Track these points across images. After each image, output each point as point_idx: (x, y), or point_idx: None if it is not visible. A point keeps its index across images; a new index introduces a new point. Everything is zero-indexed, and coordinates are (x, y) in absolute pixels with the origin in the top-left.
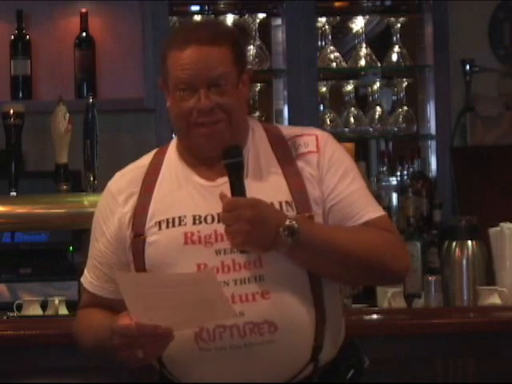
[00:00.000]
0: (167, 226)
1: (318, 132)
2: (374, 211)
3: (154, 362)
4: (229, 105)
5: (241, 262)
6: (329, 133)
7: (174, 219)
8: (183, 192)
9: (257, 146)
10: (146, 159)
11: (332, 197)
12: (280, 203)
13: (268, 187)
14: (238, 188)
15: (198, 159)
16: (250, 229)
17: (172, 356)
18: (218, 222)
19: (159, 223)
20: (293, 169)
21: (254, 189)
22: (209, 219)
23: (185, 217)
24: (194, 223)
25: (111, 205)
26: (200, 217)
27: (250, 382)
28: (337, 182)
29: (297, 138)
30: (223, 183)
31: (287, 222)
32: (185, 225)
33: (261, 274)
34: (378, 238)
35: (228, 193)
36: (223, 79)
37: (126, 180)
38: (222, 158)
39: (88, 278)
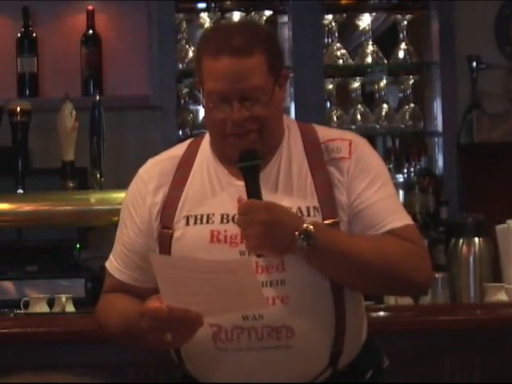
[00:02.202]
0: (195, 223)
1: (353, 137)
2: (399, 220)
3: (173, 356)
4: (262, 116)
5: (263, 265)
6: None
7: (202, 216)
8: (214, 189)
9: (291, 147)
10: (179, 149)
11: (357, 203)
12: (308, 208)
13: (296, 191)
14: (253, 191)
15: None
16: (265, 232)
17: (189, 353)
18: None
19: (187, 218)
20: (323, 174)
21: (282, 192)
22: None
23: (213, 215)
24: (222, 222)
25: (142, 191)
26: (228, 216)
27: (266, 383)
28: (363, 188)
29: (330, 141)
30: None
31: (303, 227)
32: (212, 223)
33: (282, 279)
34: (397, 248)
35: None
36: (257, 91)
37: (157, 169)
38: (237, 162)
39: (115, 264)
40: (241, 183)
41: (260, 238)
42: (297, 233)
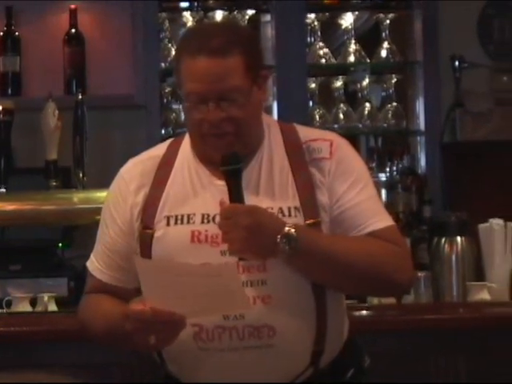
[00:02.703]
0: (176, 223)
1: (334, 137)
2: (381, 221)
3: (156, 357)
4: (239, 118)
5: (245, 265)
6: (344, 139)
7: (183, 216)
8: (195, 189)
9: (272, 148)
10: (160, 149)
11: (339, 205)
12: (289, 208)
13: (278, 192)
14: (236, 195)
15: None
16: (247, 236)
17: (171, 353)
18: None
19: (168, 218)
20: (304, 174)
21: (263, 193)
22: (217, 218)
23: (194, 215)
24: (203, 222)
25: (123, 191)
26: (209, 216)
27: (247, 383)
28: (345, 190)
29: (311, 142)
30: None
31: (285, 230)
32: (193, 223)
33: (264, 279)
34: (379, 249)
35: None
36: (234, 92)
37: (138, 169)
38: (220, 165)
39: (96, 265)
40: (221, 183)
41: (243, 242)
42: (279, 236)
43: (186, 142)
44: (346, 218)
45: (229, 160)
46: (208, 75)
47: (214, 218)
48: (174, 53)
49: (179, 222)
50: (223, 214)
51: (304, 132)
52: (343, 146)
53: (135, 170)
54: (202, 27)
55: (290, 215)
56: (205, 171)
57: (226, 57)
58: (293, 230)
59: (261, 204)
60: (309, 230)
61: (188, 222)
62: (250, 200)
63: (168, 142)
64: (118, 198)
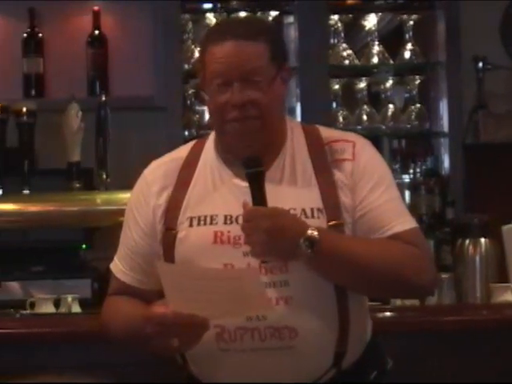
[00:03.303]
0: (198, 224)
1: (356, 138)
2: (403, 224)
3: (178, 358)
4: (262, 101)
5: (267, 266)
6: (367, 140)
7: (205, 217)
8: (217, 190)
9: (294, 149)
10: (183, 151)
11: (361, 207)
12: (312, 210)
13: (301, 193)
14: (258, 197)
15: (234, 156)
16: (268, 239)
17: (193, 354)
18: None
19: (191, 219)
20: (327, 175)
21: (286, 194)
22: (240, 220)
23: (216, 216)
24: (225, 223)
25: (145, 193)
26: (231, 217)
27: (268, 383)
28: (368, 191)
29: (334, 143)
30: None
31: (308, 233)
32: (216, 224)
33: (286, 280)
34: (400, 252)
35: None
36: (258, 74)
37: (161, 171)
38: (243, 167)
39: (119, 267)
40: (244, 184)
41: (263, 246)
42: (301, 240)
43: (210, 143)
44: (368, 220)
45: (251, 163)
46: (233, 56)
47: (236, 219)
48: (197, 54)
49: (202, 222)
50: (245, 216)
51: (326, 133)
52: (366, 147)
53: (158, 172)
54: (228, 20)
55: (312, 216)
56: (228, 172)
57: (250, 41)
58: (316, 233)
59: (284, 205)
60: (331, 232)
61: (211, 222)
62: (272, 201)
63: (191, 143)
64: (140, 200)
